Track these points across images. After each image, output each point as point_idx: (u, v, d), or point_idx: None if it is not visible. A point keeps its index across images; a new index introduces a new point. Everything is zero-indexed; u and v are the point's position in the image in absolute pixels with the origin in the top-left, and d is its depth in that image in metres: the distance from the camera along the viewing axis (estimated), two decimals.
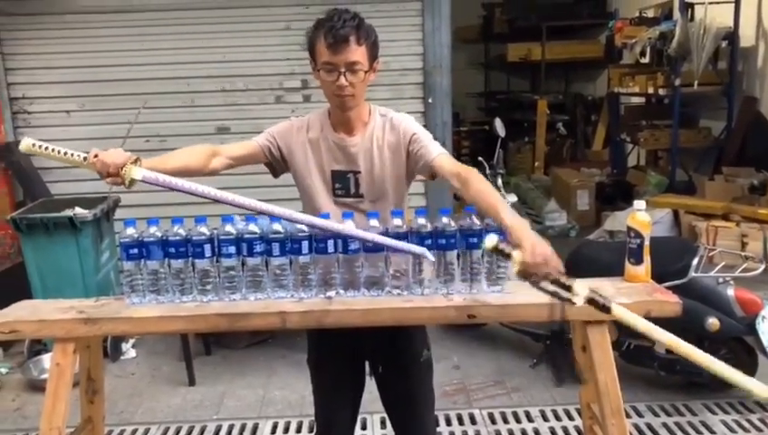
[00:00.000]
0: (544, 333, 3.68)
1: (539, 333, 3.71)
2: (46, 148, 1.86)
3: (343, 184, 1.96)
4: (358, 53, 1.84)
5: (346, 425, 2.17)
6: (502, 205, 1.71)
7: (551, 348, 3.62)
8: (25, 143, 1.86)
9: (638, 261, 1.92)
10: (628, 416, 3.10)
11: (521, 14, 9.42)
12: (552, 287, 1.58)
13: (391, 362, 2.06)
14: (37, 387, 3.52)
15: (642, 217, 1.91)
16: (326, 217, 1.85)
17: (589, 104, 9.40)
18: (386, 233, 1.84)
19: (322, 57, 1.84)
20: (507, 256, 1.58)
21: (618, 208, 6.17)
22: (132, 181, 1.82)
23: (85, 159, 1.83)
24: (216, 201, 1.85)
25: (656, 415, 3.16)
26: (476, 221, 1.86)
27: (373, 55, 1.91)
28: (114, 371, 3.79)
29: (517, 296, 1.83)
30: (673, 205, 5.61)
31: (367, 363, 2.13)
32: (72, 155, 1.85)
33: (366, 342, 2.02)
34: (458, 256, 1.88)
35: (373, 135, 1.97)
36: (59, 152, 1.86)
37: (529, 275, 1.57)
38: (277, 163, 2.08)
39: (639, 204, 1.93)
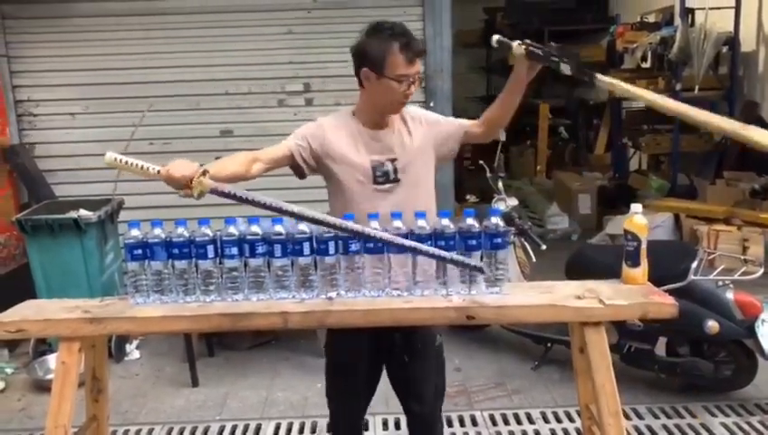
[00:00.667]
0: (546, 336, 3.70)
1: (540, 335, 3.74)
2: (126, 162, 1.94)
3: (383, 172, 2.12)
4: (420, 64, 2.08)
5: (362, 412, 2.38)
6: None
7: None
8: (108, 157, 1.95)
9: (635, 263, 1.95)
10: (628, 418, 3.14)
11: (522, 19, 9.44)
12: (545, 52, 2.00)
13: (409, 345, 2.16)
14: (42, 387, 3.55)
15: (639, 221, 1.94)
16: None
17: (591, 109, 9.41)
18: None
19: (398, 70, 2.01)
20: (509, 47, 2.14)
21: (619, 212, 6.18)
22: (201, 193, 1.85)
23: (159, 172, 1.90)
24: (281, 213, 1.88)
25: (656, 417, 3.17)
26: (475, 224, 1.89)
27: None
28: (118, 371, 3.82)
29: (515, 298, 1.86)
30: (674, 209, 5.63)
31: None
32: (148, 169, 1.92)
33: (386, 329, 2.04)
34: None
35: (398, 126, 2.16)
36: (137, 166, 1.94)
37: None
38: (306, 165, 2.21)
39: (636, 207, 1.95)
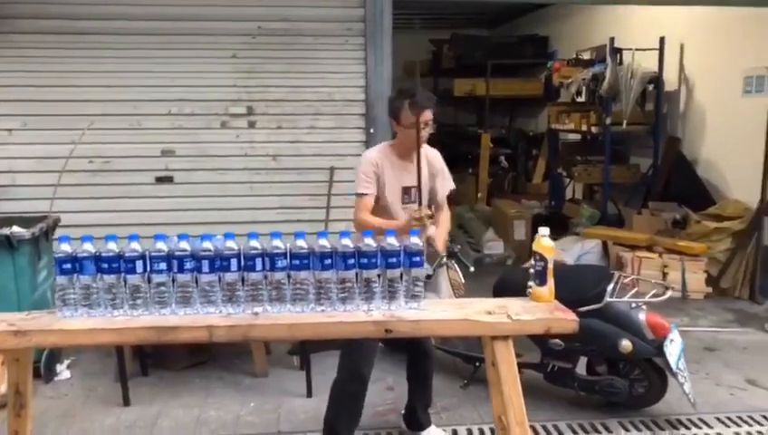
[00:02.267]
0: (475, 355, 3.83)
1: (470, 354, 3.86)
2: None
3: (409, 195, 2.94)
4: (429, 113, 2.86)
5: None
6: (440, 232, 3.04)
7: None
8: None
9: (542, 282, 2.10)
10: (548, 433, 3.29)
11: (466, 52, 9.80)
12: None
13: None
14: None
15: (546, 243, 2.10)
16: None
17: (530, 139, 9.80)
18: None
19: (410, 120, 2.81)
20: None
21: (553, 239, 6.46)
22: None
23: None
24: None
25: (574, 433, 3.33)
26: (396, 243, 2.01)
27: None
28: (47, 392, 3.75)
29: (431, 313, 1.98)
30: (603, 236, 5.92)
31: None
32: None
33: None
34: (378, 275, 2.03)
35: (423, 163, 2.89)
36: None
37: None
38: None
39: (543, 230, 2.12)
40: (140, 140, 4.68)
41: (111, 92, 4.62)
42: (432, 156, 3.07)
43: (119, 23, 4.57)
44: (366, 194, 2.89)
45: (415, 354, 3.12)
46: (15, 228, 3.73)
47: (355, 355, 2.78)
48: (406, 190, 2.94)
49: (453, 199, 3.24)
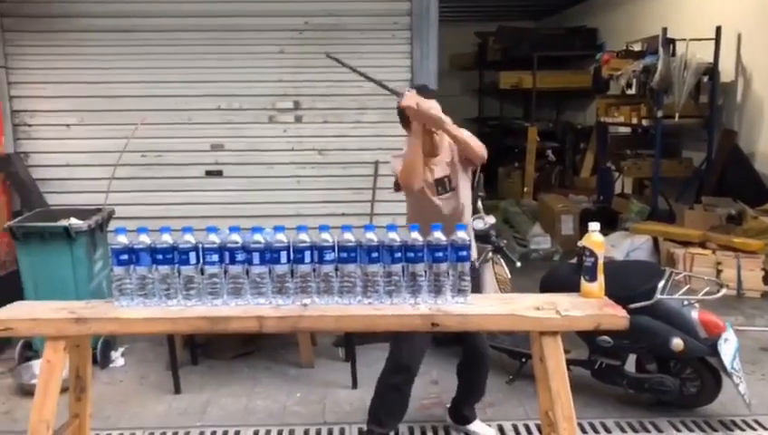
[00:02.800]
0: (521, 351, 3.80)
1: (516, 350, 3.84)
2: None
3: (442, 186, 2.87)
4: None
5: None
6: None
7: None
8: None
9: (593, 278, 2.07)
10: (596, 431, 3.24)
11: (513, 44, 9.67)
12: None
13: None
14: (27, 392, 3.61)
15: (596, 238, 2.06)
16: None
17: (578, 132, 9.62)
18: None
19: None
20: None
21: (602, 235, 6.34)
22: None
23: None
24: None
25: (623, 431, 3.27)
26: (443, 237, 2.01)
27: None
28: (103, 378, 3.89)
29: (477, 307, 1.98)
30: (653, 232, 5.77)
31: None
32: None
33: None
34: (425, 269, 2.03)
35: (445, 150, 2.90)
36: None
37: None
38: None
39: (594, 226, 2.08)
40: (191, 134, 4.80)
41: (163, 88, 4.75)
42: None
43: (170, 20, 4.69)
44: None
45: (471, 353, 3.09)
46: (73, 220, 3.88)
47: (406, 347, 2.79)
48: (439, 182, 2.87)
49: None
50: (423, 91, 2.83)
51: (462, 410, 3.21)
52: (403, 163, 2.79)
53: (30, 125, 4.76)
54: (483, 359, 3.10)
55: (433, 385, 3.75)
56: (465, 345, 3.08)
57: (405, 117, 2.81)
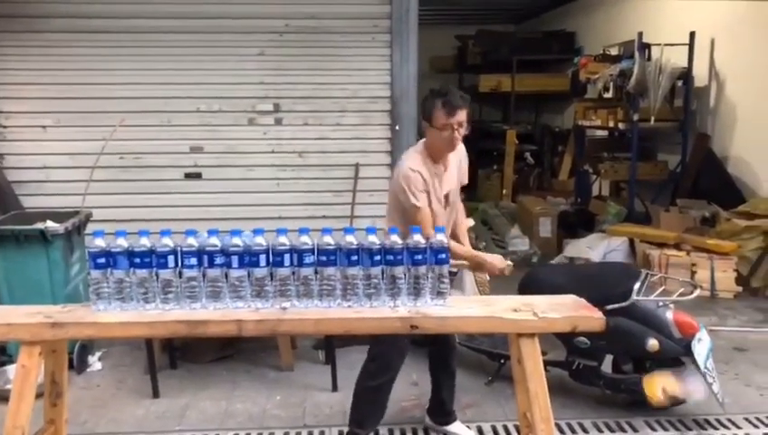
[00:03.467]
0: (500, 352, 3.84)
1: (494, 352, 3.87)
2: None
3: (447, 200, 2.89)
4: (462, 114, 2.72)
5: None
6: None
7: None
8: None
9: None
10: (573, 432, 3.28)
11: (492, 48, 9.75)
12: None
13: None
14: (1, 397, 3.55)
15: None
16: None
17: (556, 135, 9.72)
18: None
19: (441, 120, 2.70)
20: None
21: (579, 236, 6.42)
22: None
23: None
24: None
25: (600, 431, 3.31)
26: (422, 240, 2.03)
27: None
28: (80, 382, 3.85)
29: (457, 310, 2.00)
30: (629, 234, 5.86)
31: None
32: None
33: None
34: (405, 271, 2.04)
35: (455, 161, 2.93)
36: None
37: None
38: None
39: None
40: (170, 136, 4.77)
41: (142, 90, 4.71)
42: (463, 153, 3.02)
43: (149, 21, 4.66)
44: (422, 207, 2.73)
45: (439, 348, 3.13)
46: (50, 223, 3.83)
47: (385, 350, 2.81)
48: (447, 197, 2.90)
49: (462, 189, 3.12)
50: (454, 102, 2.69)
51: (442, 409, 3.22)
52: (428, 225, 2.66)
53: (5, 126, 4.69)
54: (451, 350, 3.14)
55: (413, 387, 3.77)
56: (433, 340, 3.09)
57: (428, 113, 2.74)
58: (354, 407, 2.95)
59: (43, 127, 4.70)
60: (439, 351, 3.14)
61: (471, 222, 3.97)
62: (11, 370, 3.67)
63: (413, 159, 2.82)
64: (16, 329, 1.99)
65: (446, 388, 3.20)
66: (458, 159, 2.95)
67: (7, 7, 4.56)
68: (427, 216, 2.71)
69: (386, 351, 2.82)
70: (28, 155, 4.71)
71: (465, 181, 3.08)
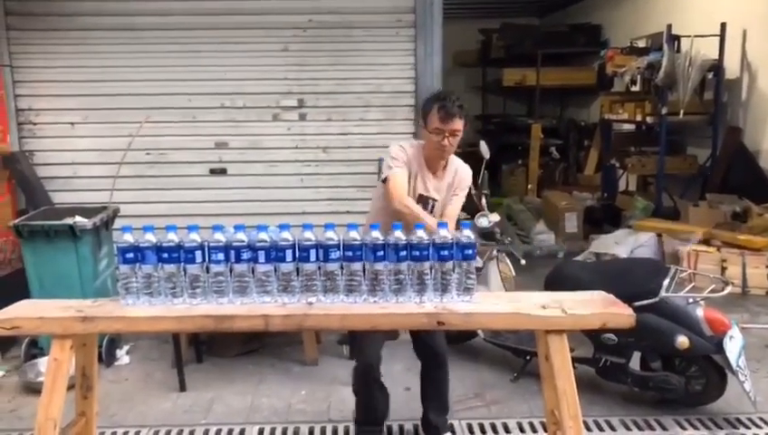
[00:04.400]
0: (525, 349, 3.80)
1: (520, 348, 3.84)
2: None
3: (423, 205, 2.75)
4: (458, 123, 2.66)
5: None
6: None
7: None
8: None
9: None
10: (601, 429, 3.25)
11: (517, 41, 9.65)
12: None
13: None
14: (33, 389, 3.63)
15: None
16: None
17: (582, 129, 9.60)
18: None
19: (434, 124, 2.66)
20: None
21: (605, 232, 6.33)
22: None
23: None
24: None
25: (628, 429, 3.27)
26: (449, 236, 2.01)
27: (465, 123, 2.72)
28: (108, 376, 3.90)
29: (483, 306, 1.98)
30: (657, 229, 5.76)
31: None
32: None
33: None
34: (431, 267, 2.03)
35: (447, 178, 2.82)
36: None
37: None
38: None
39: None
40: (195, 132, 4.80)
41: (167, 87, 4.74)
42: (462, 172, 2.87)
43: (174, 18, 4.68)
44: (399, 170, 2.68)
45: (429, 362, 2.94)
46: (78, 218, 3.89)
47: (361, 345, 2.82)
48: (422, 198, 2.78)
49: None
50: (450, 109, 2.62)
51: (431, 421, 3.02)
52: (400, 196, 2.66)
53: (35, 123, 4.77)
54: (441, 367, 2.92)
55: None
56: (421, 349, 2.92)
57: (425, 114, 2.73)
58: (356, 405, 2.98)
59: (71, 124, 4.77)
60: (428, 365, 2.93)
61: (497, 217, 3.96)
62: (42, 363, 3.74)
63: (406, 142, 2.87)
64: (48, 323, 2.02)
65: (432, 408, 3.01)
66: (452, 179, 2.82)
67: (35, 6, 4.62)
68: (396, 178, 2.67)
69: (360, 347, 2.83)
70: (57, 151, 4.78)
71: (453, 207, 2.83)
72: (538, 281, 3.81)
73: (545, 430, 3.22)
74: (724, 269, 5.04)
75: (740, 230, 5.34)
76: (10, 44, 4.65)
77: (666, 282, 3.20)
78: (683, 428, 3.27)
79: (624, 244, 5.66)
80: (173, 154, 4.79)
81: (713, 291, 3.17)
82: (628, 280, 3.27)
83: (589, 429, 3.21)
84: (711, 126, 6.36)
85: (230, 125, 4.82)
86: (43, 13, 4.64)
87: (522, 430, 3.29)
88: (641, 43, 7.50)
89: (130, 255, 2.05)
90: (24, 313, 2.05)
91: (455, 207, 2.82)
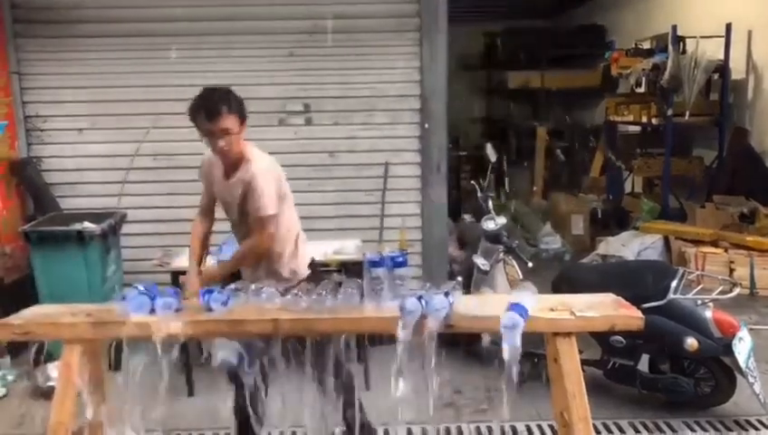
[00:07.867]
0: (533, 351, 3.79)
1: (528, 350, 3.82)
2: None
3: (228, 210, 2.79)
4: (226, 122, 2.60)
5: None
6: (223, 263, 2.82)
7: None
8: None
9: None
10: (610, 432, 3.24)
11: (521, 43, 9.65)
12: None
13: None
14: (43, 394, 3.64)
15: None
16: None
17: (587, 131, 9.58)
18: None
19: (203, 126, 2.63)
20: None
21: (612, 234, 6.32)
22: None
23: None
24: None
25: (637, 431, 3.26)
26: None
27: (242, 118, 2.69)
28: (117, 380, 3.91)
29: (491, 308, 1.97)
30: (664, 231, 5.75)
31: None
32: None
33: None
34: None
35: (240, 176, 2.69)
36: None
37: None
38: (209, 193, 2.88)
39: None
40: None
41: (174, 92, 4.74)
42: (251, 173, 2.66)
43: (180, 24, 4.70)
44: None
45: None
46: (86, 224, 3.91)
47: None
48: (226, 206, 2.77)
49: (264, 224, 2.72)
50: (210, 108, 2.63)
51: None
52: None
53: (43, 130, 4.79)
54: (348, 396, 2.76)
55: (446, 386, 3.75)
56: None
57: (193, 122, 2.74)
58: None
59: (79, 130, 4.79)
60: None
61: (503, 220, 3.96)
62: (52, 367, 3.75)
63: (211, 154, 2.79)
64: (60, 328, 2.03)
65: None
66: (242, 182, 2.67)
67: (42, 13, 4.65)
68: (204, 201, 2.87)
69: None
70: (65, 157, 4.80)
71: (262, 212, 2.68)
72: (545, 283, 3.80)
73: (553, 433, 3.24)
74: (732, 271, 5.03)
75: (747, 231, 5.33)
76: (18, 51, 4.68)
77: (674, 284, 3.20)
78: (692, 430, 3.26)
79: (630, 246, 5.66)
80: (180, 159, 4.80)
81: (721, 292, 3.17)
82: (636, 282, 3.26)
83: (598, 431, 3.21)
84: (717, 127, 6.35)
85: None
86: (51, 20, 4.67)
87: (530, 432, 3.29)
88: (646, 45, 7.48)
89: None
90: (36, 318, 2.07)
91: (254, 206, 2.67)
